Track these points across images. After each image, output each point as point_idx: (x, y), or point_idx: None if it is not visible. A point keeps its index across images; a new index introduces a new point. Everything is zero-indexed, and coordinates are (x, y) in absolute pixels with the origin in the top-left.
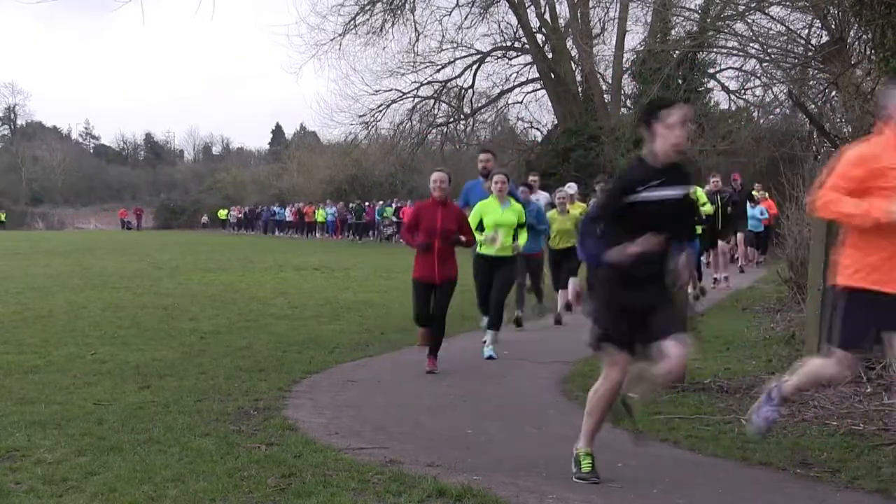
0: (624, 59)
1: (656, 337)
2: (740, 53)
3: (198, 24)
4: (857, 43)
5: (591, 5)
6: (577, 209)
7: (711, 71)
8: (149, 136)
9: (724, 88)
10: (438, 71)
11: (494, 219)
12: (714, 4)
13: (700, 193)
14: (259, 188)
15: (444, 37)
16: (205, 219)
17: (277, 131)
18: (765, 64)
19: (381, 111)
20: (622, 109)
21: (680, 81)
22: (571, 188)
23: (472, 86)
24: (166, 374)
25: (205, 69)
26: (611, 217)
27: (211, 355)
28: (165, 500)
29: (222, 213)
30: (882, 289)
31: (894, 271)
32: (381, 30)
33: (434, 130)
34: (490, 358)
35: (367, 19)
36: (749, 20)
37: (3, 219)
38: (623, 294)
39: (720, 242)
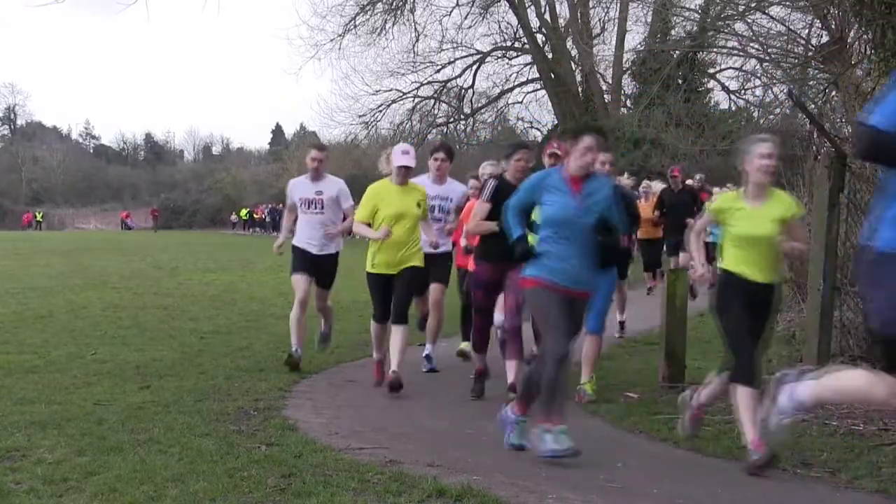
0: (624, 59)
1: None
2: (740, 53)
3: (198, 24)
4: (857, 43)
5: (591, 5)
6: None
7: (711, 71)
8: (149, 136)
9: (724, 88)
10: (438, 71)
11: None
12: (714, 4)
13: None
14: (259, 188)
15: (444, 37)
16: (234, 217)
17: (277, 131)
18: (765, 64)
19: (381, 111)
20: (622, 109)
21: (680, 81)
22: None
23: (472, 86)
24: (166, 374)
25: (205, 69)
26: None
27: (211, 355)
28: (165, 500)
29: (243, 213)
30: None
31: None
32: (381, 30)
33: (434, 130)
34: None
35: (367, 19)
36: (749, 20)
37: (40, 218)
38: None
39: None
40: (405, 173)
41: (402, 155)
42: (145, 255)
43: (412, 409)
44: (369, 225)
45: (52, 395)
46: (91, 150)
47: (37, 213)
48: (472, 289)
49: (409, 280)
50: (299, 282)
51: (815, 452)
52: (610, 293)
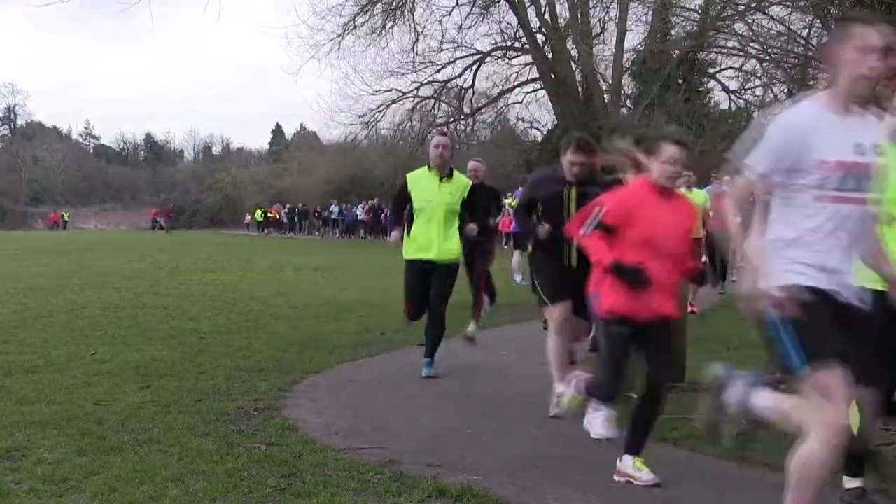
0: (624, 59)
1: None
2: (740, 53)
3: (198, 24)
4: None
5: (591, 5)
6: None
7: (711, 71)
8: (149, 136)
9: (724, 88)
10: (438, 71)
11: None
12: (714, 4)
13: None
14: (259, 188)
15: (444, 37)
16: (248, 219)
17: (277, 131)
18: (765, 64)
19: (381, 111)
20: (622, 109)
21: (680, 81)
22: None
23: (472, 86)
24: (166, 374)
25: (205, 69)
26: None
27: (211, 355)
28: (165, 500)
29: (258, 214)
30: None
31: None
32: (381, 30)
33: (434, 130)
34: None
35: (367, 20)
36: (749, 20)
37: (66, 217)
38: None
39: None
40: None
41: None
42: (145, 255)
43: (412, 409)
44: None
45: (52, 395)
46: (91, 150)
47: (64, 214)
48: None
49: None
50: None
51: None
52: None
